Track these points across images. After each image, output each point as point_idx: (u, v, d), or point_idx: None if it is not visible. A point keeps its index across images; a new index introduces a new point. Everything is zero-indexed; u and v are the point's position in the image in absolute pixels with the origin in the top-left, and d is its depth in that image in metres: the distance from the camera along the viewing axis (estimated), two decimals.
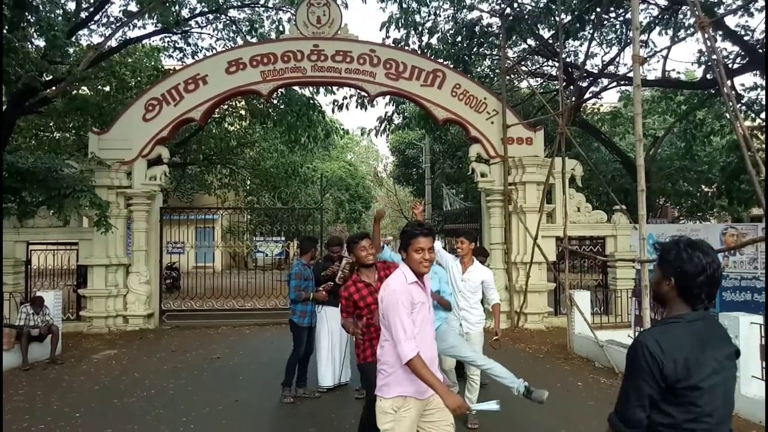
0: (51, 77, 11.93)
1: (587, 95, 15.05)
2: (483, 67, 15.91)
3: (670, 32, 13.47)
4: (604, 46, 14.95)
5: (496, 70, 14.89)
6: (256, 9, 14.98)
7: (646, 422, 1.74)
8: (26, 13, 9.90)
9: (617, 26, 13.92)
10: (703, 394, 1.70)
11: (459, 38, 13.55)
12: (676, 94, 15.97)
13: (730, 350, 1.83)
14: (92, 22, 13.91)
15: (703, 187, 18.21)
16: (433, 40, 13.73)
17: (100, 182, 10.12)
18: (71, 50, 12.38)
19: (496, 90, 12.19)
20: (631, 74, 10.68)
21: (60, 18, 11.76)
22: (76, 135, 15.78)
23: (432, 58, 12.36)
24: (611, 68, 14.96)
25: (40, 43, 11.61)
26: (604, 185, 12.41)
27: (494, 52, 14.79)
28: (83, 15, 13.20)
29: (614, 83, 15.17)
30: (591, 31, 11.89)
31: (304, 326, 5.91)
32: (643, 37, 13.18)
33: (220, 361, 7.84)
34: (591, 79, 14.54)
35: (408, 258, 2.89)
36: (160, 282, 11.24)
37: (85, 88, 14.57)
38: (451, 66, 12.17)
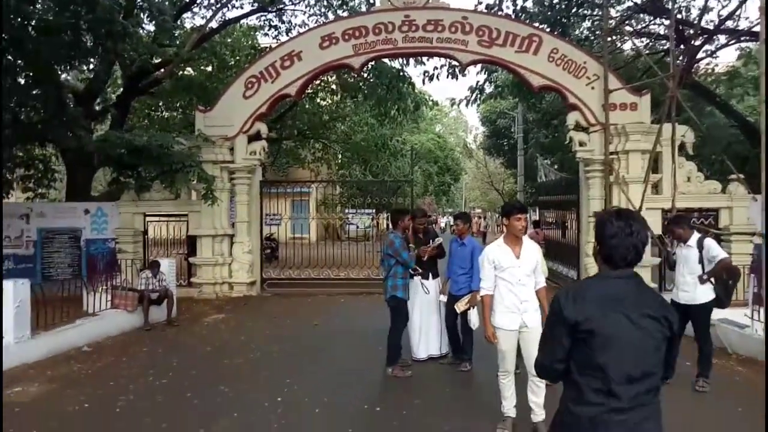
0: (160, 60, 12.77)
1: (701, 54, 13.76)
2: (582, 29, 14.99)
3: None
4: None
5: (597, 32, 13.99)
6: None
7: (562, 366, 1.92)
8: (138, 0, 10.61)
9: None
10: (601, 341, 1.81)
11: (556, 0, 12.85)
12: None
13: (652, 312, 1.87)
14: (195, 5, 14.67)
15: None
16: (528, 3, 13.15)
17: (206, 158, 10.74)
18: (177, 33, 13.12)
19: (596, 53, 11.47)
20: (755, 28, 9.64)
21: (167, 3, 12.50)
22: (182, 113, 16.84)
23: (527, 22, 11.84)
24: (729, 23, 13.54)
25: (150, 27, 12.39)
26: (718, 153, 11.41)
27: (595, 13, 13.88)
28: None
29: (733, 40, 13.72)
30: None
31: (407, 300, 5.90)
32: None
33: (319, 329, 8.20)
34: (705, 36, 13.26)
35: None
36: (261, 251, 11.86)
37: (189, 68, 15.46)
38: (548, 30, 11.59)
